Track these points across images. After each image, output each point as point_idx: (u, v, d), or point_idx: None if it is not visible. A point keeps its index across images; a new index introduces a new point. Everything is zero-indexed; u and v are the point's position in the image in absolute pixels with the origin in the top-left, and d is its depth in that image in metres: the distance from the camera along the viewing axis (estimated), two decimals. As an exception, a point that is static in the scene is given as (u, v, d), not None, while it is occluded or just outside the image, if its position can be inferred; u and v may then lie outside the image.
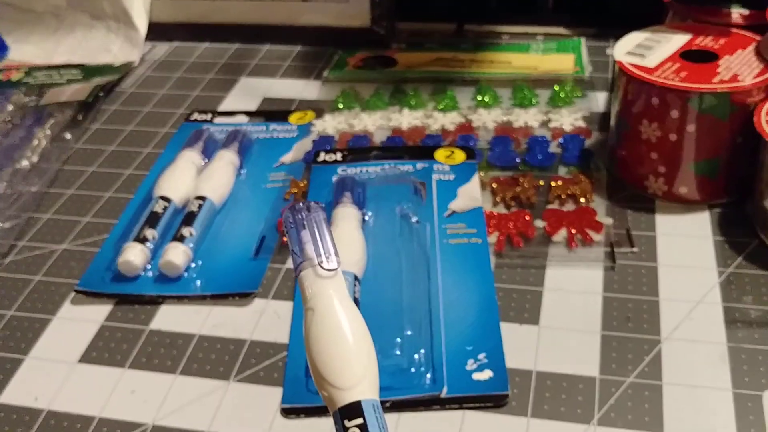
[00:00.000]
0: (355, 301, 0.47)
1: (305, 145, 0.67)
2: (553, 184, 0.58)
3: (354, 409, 0.32)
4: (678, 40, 0.58)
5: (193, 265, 0.54)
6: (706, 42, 0.58)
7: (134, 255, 0.53)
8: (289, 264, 0.54)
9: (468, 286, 0.50)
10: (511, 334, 0.47)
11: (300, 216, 0.36)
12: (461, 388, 0.44)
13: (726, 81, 0.52)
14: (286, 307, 0.51)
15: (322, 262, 0.34)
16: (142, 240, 0.54)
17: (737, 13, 0.61)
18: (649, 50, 0.57)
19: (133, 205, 0.61)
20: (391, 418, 0.43)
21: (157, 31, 0.87)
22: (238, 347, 0.48)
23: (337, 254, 0.35)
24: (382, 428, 0.32)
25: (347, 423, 0.32)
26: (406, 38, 0.83)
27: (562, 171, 0.61)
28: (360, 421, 0.32)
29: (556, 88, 0.70)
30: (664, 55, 0.56)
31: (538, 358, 0.46)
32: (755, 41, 0.57)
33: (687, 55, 0.56)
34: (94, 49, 0.86)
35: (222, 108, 0.74)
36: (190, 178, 0.61)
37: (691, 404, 0.42)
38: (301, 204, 0.37)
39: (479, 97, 0.70)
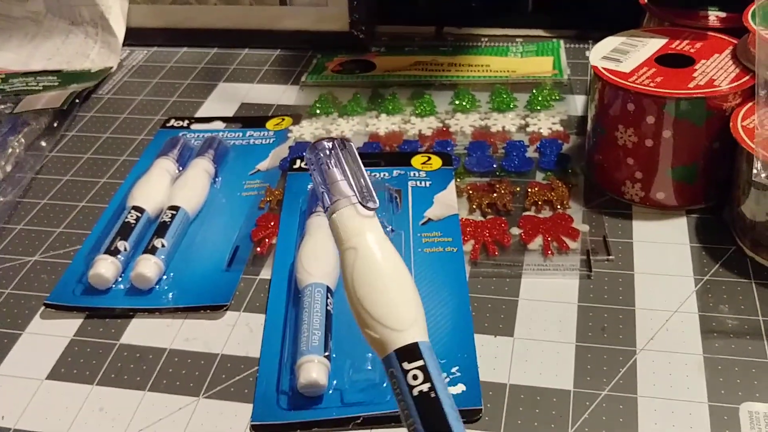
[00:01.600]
0: (327, 313, 0.47)
1: (282, 151, 0.66)
2: (529, 190, 0.57)
3: (412, 351, 0.30)
4: (654, 45, 0.57)
5: (164, 277, 0.53)
6: (682, 46, 0.57)
7: (105, 268, 0.53)
8: (263, 275, 0.54)
9: (442, 297, 0.50)
10: (485, 346, 0.47)
11: (329, 152, 0.34)
12: (433, 403, 0.43)
13: (702, 86, 0.52)
14: (258, 320, 0.50)
15: (365, 200, 0.33)
16: (113, 252, 0.54)
17: (714, 15, 0.60)
18: (624, 55, 0.56)
19: (107, 215, 0.60)
20: (362, 434, 0.43)
21: (135, 36, 0.86)
22: (208, 362, 0.48)
23: (374, 192, 0.33)
24: (440, 371, 0.31)
25: (407, 366, 0.30)
26: (385, 42, 0.83)
27: (540, 176, 0.60)
28: (421, 363, 0.30)
29: (535, 91, 0.69)
30: (639, 59, 0.55)
31: (512, 371, 0.45)
32: (732, 45, 0.57)
33: (663, 59, 0.55)
34: (72, 55, 0.85)
35: (199, 114, 0.74)
36: (164, 187, 0.60)
37: (666, 418, 0.42)
38: (328, 140, 0.34)
39: (457, 102, 0.69)
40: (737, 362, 0.44)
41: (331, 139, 0.34)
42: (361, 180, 0.33)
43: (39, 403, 0.46)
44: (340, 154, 0.34)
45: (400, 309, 0.31)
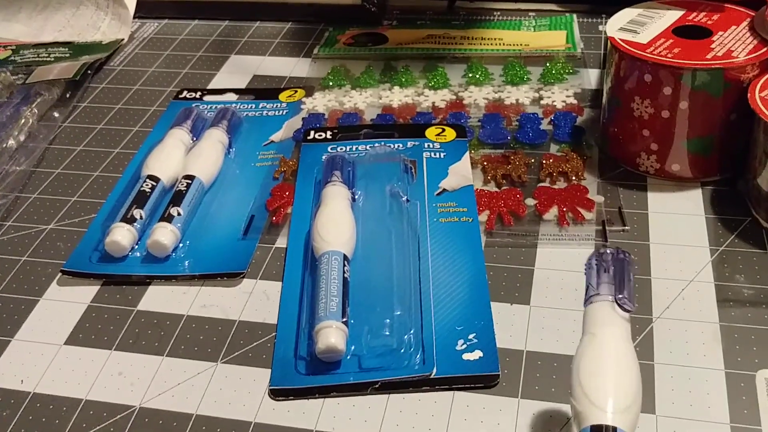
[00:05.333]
0: (345, 280, 0.47)
1: (295, 123, 0.66)
2: (544, 161, 0.58)
3: None
4: (671, 16, 0.57)
5: (181, 245, 0.54)
6: (699, 18, 0.57)
7: (121, 235, 0.53)
8: (279, 243, 0.54)
9: (458, 265, 0.50)
10: (502, 313, 0.47)
11: (609, 260, 0.38)
12: (451, 369, 0.43)
13: (719, 57, 0.51)
14: (274, 288, 0.50)
15: (622, 302, 0.36)
16: (129, 220, 0.54)
17: (731, -13, 0.60)
18: (641, 26, 0.56)
19: (121, 185, 0.60)
20: (380, 399, 0.43)
21: (146, 8, 0.86)
22: (226, 328, 0.48)
23: (634, 305, 0.37)
24: None
25: None
26: (397, 15, 0.83)
27: (554, 148, 0.60)
28: None
29: (548, 65, 0.69)
30: (656, 30, 0.55)
31: (529, 338, 0.45)
32: (749, 17, 0.56)
33: (680, 31, 0.55)
34: (83, 27, 0.85)
35: (212, 86, 0.73)
36: (179, 157, 0.60)
37: (683, 385, 0.42)
38: (611, 250, 0.39)
39: (470, 75, 0.69)
40: (753, 330, 0.45)
41: (615, 249, 0.39)
42: (627, 289, 0.37)
43: (58, 368, 0.46)
44: (618, 263, 0.38)
45: (612, 393, 0.33)
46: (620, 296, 0.36)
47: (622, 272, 0.38)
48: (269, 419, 0.42)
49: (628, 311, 0.36)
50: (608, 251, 0.39)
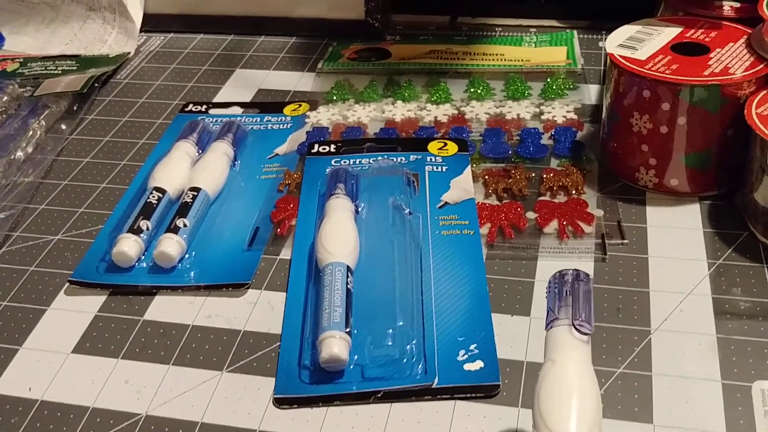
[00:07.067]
0: (348, 291, 0.48)
1: (299, 136, 0.67)
2: (544, 176, 0.58)
3: None
4: (669, 33, 0.58)
5: (186, 256, 0.54)
6: (697, 35, 0.58)
7: (128, 246, 0.54)
8: (284, 255, 0.55)
9: (460, 277, 0.51)
10: (503, 324, 0.48)
11: (567, 281, 0.39)
12: (452, 379, 0.44)
13: (717, 74, 0.52)
14: (279, 298, 0.51)
15: (579, 325, 0.36)
16: (136, 231, 0.55)
17: (729, 6, 0.61)
18: (640, 43, 0.57)
19: (128, 196, 0.61)
20: (382, 408, 0.44)
21: (152, 22, 0.87)
22: (231, 338, 0.49)
23: (592, 326, 0.37)
24: None
25: None
26: (400, 30, 0.84)
27: (554, 163, 0.61)
28: None
29: (549, 80, 0.70)
30: (655, 47, 0.56)
31: (529, 349, 0.46)
32: (746, 34, 0.57)
33: (678, 47, 0.56)
34: (90, 40, 0.86)
35: (217, 99, 0.74)
36: (185, 169, 0.61)
37: (680, 395, 0.43)
38: (571, 272, 0.39)
39: (472, 90, 0.70)
40: (750, 342, 0.45)
41: (575, 271, 0.39)
42: (584, 311, 0.37)
43: (65, 376, 0.47)
44: (576, 285, 0.38)
45: (571, 420, 0.34)
46: (576, 320, 0.37)
47: (580, 295, 0.38)
48: (273, 427, 0.43)
49: (586, 334, 0.37)
50: (569, 273, 0.39)
